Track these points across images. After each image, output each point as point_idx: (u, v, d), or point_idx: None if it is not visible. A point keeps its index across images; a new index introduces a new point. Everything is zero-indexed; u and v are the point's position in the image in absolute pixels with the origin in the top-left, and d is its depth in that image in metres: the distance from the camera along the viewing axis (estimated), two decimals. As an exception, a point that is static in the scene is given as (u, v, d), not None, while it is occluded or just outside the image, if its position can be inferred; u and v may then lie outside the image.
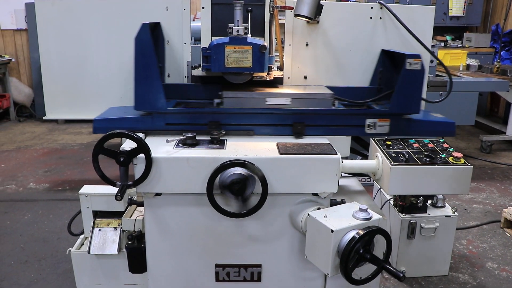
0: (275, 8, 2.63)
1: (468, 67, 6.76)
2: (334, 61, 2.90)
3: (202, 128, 2.40)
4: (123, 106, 2.66)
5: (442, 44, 8.72)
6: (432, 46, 5.30)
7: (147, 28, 2.31)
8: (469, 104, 5.54)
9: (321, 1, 2.65)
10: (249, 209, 2.16)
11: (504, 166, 6.14)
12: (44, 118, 3.12)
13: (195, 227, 2.32)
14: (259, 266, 2.40)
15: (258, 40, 2.44)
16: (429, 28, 2.91)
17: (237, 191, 2.10)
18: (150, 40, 2.32)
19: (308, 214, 2.11)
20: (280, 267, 2.42)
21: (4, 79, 8.47)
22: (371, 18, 2.85)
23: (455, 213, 3.45)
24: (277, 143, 2.33)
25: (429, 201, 3.49)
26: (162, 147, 2.23)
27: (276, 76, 2.81)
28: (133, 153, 2.11)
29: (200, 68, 2.58)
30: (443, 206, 3.53)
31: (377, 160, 2.46)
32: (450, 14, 8.66)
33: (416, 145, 2.52)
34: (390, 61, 2.80)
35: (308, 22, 2.79)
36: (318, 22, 2.81)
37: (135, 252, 2.46)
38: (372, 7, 2.84)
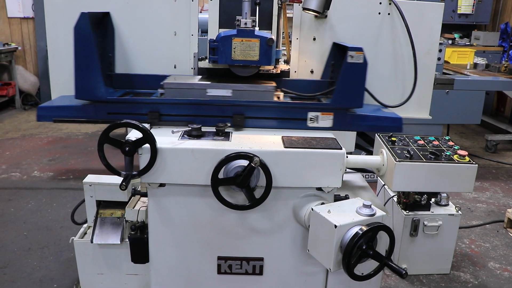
0: (283, 1, 2.61)
1: (475, 65, 6.71)
2: (341, 56, 2.88)
3: (143, 118, 2.39)
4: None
5: (450, 42, 8.68)
6: (440, 44, 5.27)
7: (86, 17, 2.31)
8: (475, 103, 5.50)
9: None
10: (253, 201, 2.16)
11: (509, 166, 6.12)
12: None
13: (198, 219, 2.32)
14: (261, 259, 2.40)
15: (265, 33, 2.42)
16: (437, 26, 2.89)
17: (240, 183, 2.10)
18: (89, 29, 2.32)
19: (312, 209, 2.11)
20: (282, 261, 2.42)
21: (10, 67, 8.49)
22: (379, 13, 2.83)
23: (459, 211, 3.44)
24: (282, 137, 2.33)
25: (433, 199, 3.48)
26: (167, 138, 2.22)
27: (282, 70, 2.80)
28: (138, 143, 2.11)
29: (207, 60, 2.57)
30: (447, 205, 3.52)
31: (381, 156, 2.45)
32: (459, 11, 8.61)
33: (421, 142, 2.51)
34: (340, 54, 2.74)
35: (316, 16, 2.78)
36: (326, 16, 2.79)
37: (138, 243, 2.46)
38: (380, 3, 2.81)
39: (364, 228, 1.94)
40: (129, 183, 2.14)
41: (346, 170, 2.39)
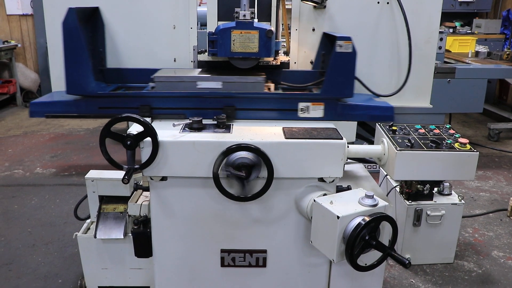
0: (282, -8, 2.60)
1: (477, 53, 6.67)
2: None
3: (135, 112, 2.38)
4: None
5: (451, 30, 8.62)
6: (441, 33, 5.24)
7: (74, 13, 2.30)
8: (477, 91, 5.46)
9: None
10: (255, 193, 2.16)
11: (512, 154, 6.10)
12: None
13: (201, 212, 2.33)
14: (264, 251, 2.41)
15: (264, 25, 2.41)
16: (436, 13, 2.86)
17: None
18: (77, 25, 2.31)
19: (314, 200, 2.11)
20: (285, 253, 2.42)
21: (10, 64, 8.48)
22: (378, 3, 2.81)
23: (462, 201, 3.43)
24: (283, 128, 2.32)
25: (436, 189, 3.47)
26: (168, 131, 2.22)
27: (282, 61, 2.79)
28: (140, 136, 2.11)
29: (207, 53, 2.57)
30: (450, 194, 3.51)
31: (382, 145, 2.44)
32: (459, -1, 8.55)
33: (422, 130, 2.50)
34: (331, 43, 2.70)
35: (315, 6, 2.76)
36: (325, 7, 2.77)
37: (141, 237, 2.47)
38: (379, -8, 2.79)
39: (367, 219, 1.94)
40: (131, 177, 2.14)
41: (347, 160, 2.39)
